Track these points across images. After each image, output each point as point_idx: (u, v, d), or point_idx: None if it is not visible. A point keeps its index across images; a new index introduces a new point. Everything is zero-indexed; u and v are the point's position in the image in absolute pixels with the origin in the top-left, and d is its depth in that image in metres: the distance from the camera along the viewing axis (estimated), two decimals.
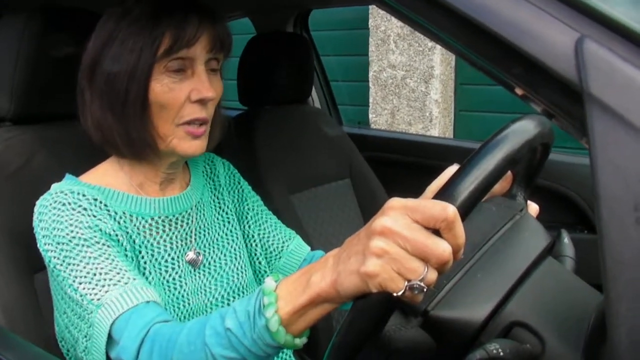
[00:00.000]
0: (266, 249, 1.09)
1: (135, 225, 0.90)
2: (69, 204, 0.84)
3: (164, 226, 0.94)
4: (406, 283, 0.53)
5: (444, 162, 0.84)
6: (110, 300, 0.76)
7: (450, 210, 0.53)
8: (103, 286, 0.78)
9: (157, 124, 0.87)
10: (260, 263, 1.08)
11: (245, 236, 1.08)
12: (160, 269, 0.91)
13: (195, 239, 0.97)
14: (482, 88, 3.79)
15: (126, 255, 0.86)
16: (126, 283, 0.78)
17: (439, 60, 3.82)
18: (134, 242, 0.89)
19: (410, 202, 0.55)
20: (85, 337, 0.80)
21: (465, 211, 0.55)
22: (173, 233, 0.95)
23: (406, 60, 3.92)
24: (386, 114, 4.07)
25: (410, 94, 3.94)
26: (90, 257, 0.80)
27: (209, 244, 0.99)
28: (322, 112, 1.97)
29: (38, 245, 0.85)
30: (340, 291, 0.58)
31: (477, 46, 0.52)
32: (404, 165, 2.03)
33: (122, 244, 0.86)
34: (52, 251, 0.82)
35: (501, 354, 0.60)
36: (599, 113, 0.44)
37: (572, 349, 0.64)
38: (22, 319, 0.98)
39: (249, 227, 1.08)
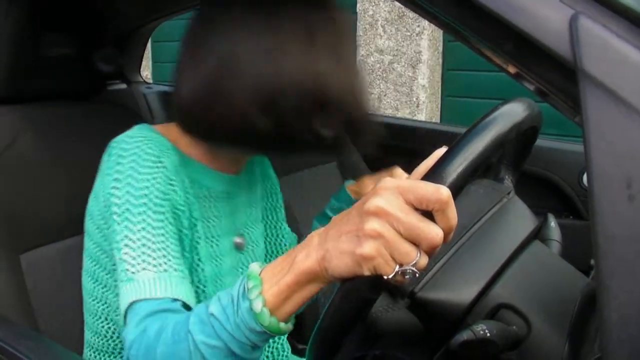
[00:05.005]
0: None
1: (198, 195, 0.87)
2: (153, 155, 0.79)
3: (220, 201, 0.91)
4: (397, 267, 0.53)
5: (431, 147, 0.83)
6: (142, 281, 0.73)
7: (443, 191, 0.52)
8: (144, 261, 0.74)
9: None
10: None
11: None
12: (211, 244, 0.89)
13: (242, 221, 0.96)
14: (470, 74, 3.79)
15: (180, 238, 0.82)
16: (165, 270, 0.74)
17: (426, 46, 3.81)
18: (192, 215, 0.85)
19: (403, 182, 0.54)
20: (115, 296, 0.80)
21: (454, 193, 0.54)
22: (224, 209, 0.92)
23: (394, 45, 3.91)
24: (373, 99, 4.06)
25: (398, 78, 3.93)
26: (148, 224, 0.76)
27: (251, 228, 0.99)
28: None
29: (102, 184, 0.81)
30: (328, 269, 0.57)
31: (469, 22, 0.51)
32: (391, 149, 2.02)
33: (181, 221, 0.82)
34: (117, 197, 0.78)
35: (488, 335, 0.60)
36: (593, 90, 0.44)
37: (558, 331, 0.64)
38: (7, 302, 0.95)
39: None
